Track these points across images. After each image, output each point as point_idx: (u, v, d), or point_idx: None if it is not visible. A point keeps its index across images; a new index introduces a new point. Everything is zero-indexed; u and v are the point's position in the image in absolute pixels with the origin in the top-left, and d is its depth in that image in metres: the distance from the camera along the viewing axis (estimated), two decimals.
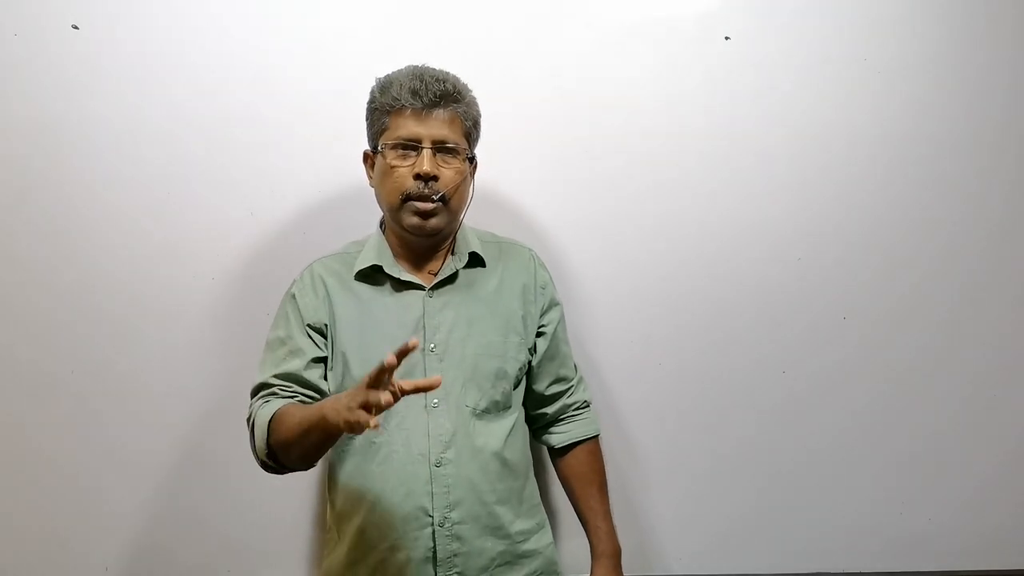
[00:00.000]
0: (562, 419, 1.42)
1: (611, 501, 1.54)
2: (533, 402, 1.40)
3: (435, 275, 1.29)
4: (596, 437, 1.44)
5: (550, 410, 1.41)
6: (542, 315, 1.36)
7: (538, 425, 1.43)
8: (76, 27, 1.52)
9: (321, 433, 1.08)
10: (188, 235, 1.56)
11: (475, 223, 1.54)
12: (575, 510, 1.43)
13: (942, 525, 1.64)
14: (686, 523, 1.64)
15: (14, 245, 1.54)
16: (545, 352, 1.36)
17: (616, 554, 1.39)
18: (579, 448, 1.42)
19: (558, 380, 1.40)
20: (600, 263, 1.61)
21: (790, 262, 1.62)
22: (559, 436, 1.42)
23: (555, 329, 1.38)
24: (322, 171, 1.56)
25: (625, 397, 1.62)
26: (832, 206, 1.61)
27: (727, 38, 1.59)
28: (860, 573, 1.65)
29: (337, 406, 1.02)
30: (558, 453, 1.43)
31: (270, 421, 1.16)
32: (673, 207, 1.60)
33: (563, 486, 1.45)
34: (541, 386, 1.38)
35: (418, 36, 1.56)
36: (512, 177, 1.59)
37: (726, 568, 1.65)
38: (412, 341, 0.99)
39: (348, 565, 1.26)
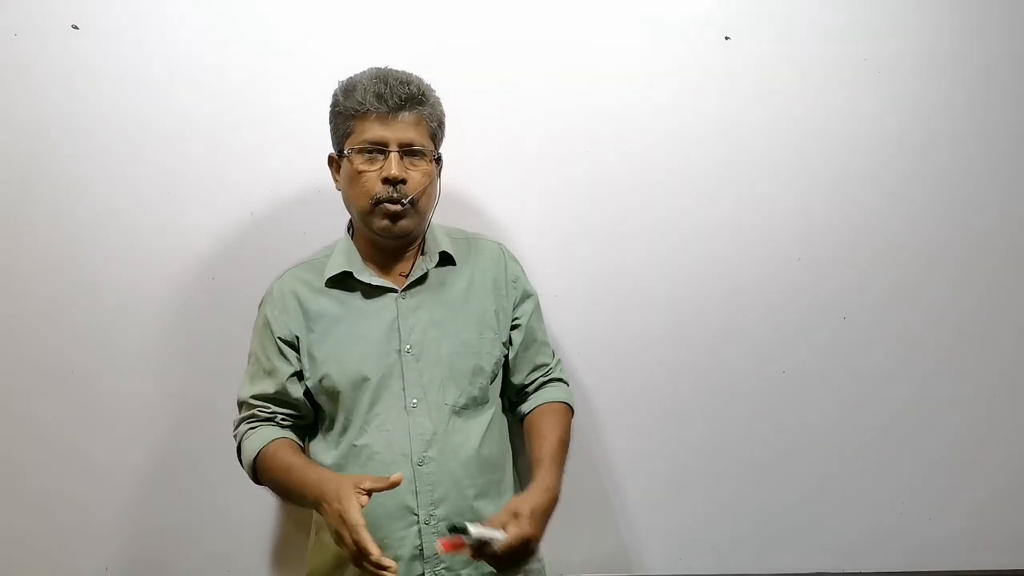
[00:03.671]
0: (537, 391, 1.40)
1: (610, 501, 1.54)
2: (515, 392, 1.40)
3: (406, 276, 1.30)
4: (566, 405, 1.39)
5: (530, 390, 1.40)
6: (515, 308, 1.37)
7: (518, 406, 1.41)
8: (76, 27, 1.52)
9: (309, 501, 1.17)
10: (188, 235, 1.56)
11: (472, 224, 1.54)
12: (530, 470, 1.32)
13: (942, 525, 1.64)
14: (686, 523, 1.64)
15: (14, 245, 1.54)
16: (521, 343, 1.37)
17: (549, 490, 1.23)
18: (543, 407, 1.37)
19: (536, 368, 1.40)
20: (599, 263, 1.60)
21: (790, 262, 1.62)
22: (528, 404, 1.38)
23: (529, 320, 1.38)
24: (321, 172, 1.56)
25: (625, 397, 1.62)
26: (832, 206, 1.61)
27: (727, 38, 1.59)
28: (860, 573, 1.65)
29: (330, 512, 1.11)
30: (526, 417, 1.38)
31: (256, 457, 1.25)
32: (673, 207, 1.60)
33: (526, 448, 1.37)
34: (521, 377, 1.38)
35: (418, 37, 1.56)
36: (511, 178, 1.59)
37: (726, 568, 1.64)
38: (396, 477, 1.12)
39: (335, 567, 1.27)
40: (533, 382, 1.40)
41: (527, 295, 1.40)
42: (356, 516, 1.07)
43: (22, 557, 1.57)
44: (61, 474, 1.56)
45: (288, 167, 1.56)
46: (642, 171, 1.60)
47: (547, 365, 1.41)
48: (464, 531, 1.10)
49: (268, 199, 1.57)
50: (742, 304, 1.62)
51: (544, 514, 1.20)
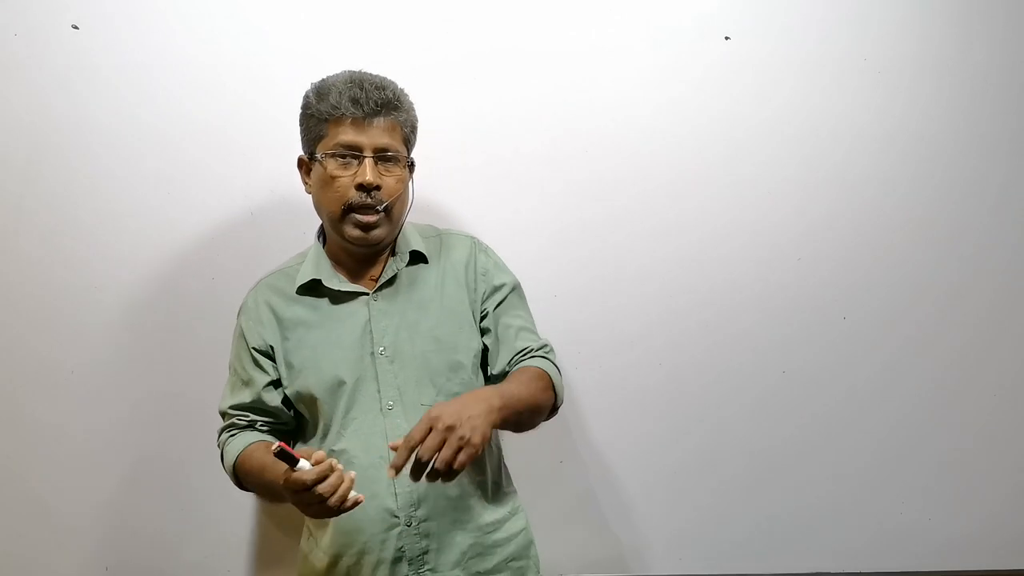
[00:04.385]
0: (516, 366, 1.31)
1: (610, 501, 1.54)
2: (497, 381, 1.31)
3: (376, 280, 1.29)
4: (541, 369, 1.28)
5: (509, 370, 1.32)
6: (483, 301, 1.33)
7: None
8: (76, 27, 1.53)
9: (286, 497, 1.14)
10: (188, 235, 1.56)
11: (472, 226, 1.54)
12: None
13: (942, 525, 1.64)
14: (685, 523, 1.64)
15: (13, 244, 1.54)
16: (492, 336, 1.32)
17: (476, 391, 1.17)
18: (516, 369, 1.28)
19: (518, 353, 1.31)
20: (599, 263, 1.61)
21: (790, 262, 1.62)
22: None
23: (498, 310, 1.33)
24: None
25: (625, 397, 1.62)
26: (832, 206, 1.61)
27: (727, 38, 1.59)
28: (860, 573, 1.65)
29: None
30: None
31: (235, 464, 1.25)
32: (673, 207, 1.60)
33: None
34: (500, 367, 1.31)
35: (420, 37, 1.56)
36: (511, 177, 1.59)
37: (726, 568, 1.65)
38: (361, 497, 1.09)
39: (323, 571, 1.27)
40: (512, 365, 1.31)
41: (496, 288, 1.34)
42: (300, 476, 1.03)
43: (22, 556, 1.57)
44: (60, 475, 1.57)
45: (288, 167, 1.54)
46: (642, 171, 1.60)
47: (529, 349, 1.31)
48: (294, 464, 1.04)
49: (268, 199, 1.57)
50: (742, 304, 1.62)
51: (461, 403, 1.10)
